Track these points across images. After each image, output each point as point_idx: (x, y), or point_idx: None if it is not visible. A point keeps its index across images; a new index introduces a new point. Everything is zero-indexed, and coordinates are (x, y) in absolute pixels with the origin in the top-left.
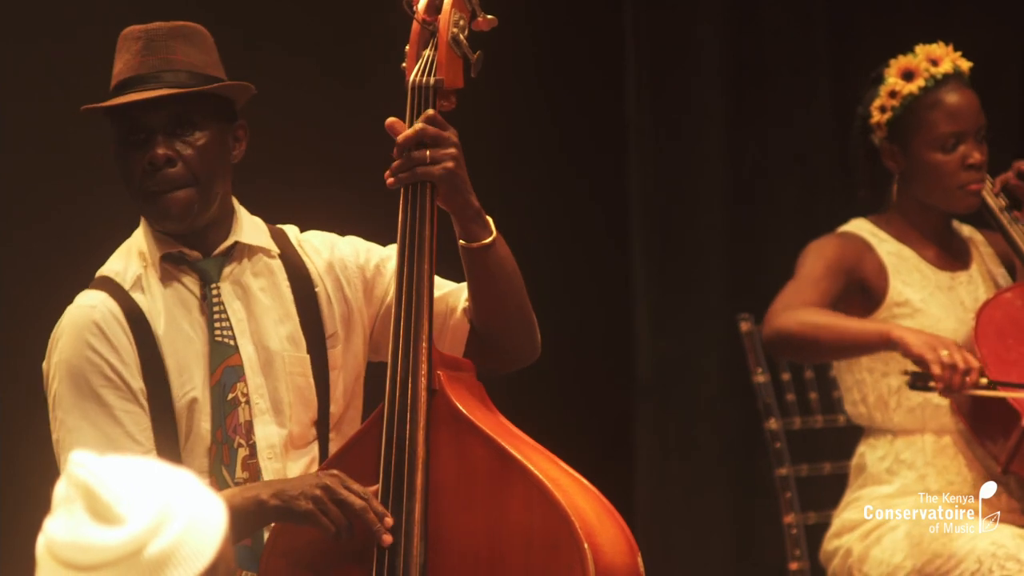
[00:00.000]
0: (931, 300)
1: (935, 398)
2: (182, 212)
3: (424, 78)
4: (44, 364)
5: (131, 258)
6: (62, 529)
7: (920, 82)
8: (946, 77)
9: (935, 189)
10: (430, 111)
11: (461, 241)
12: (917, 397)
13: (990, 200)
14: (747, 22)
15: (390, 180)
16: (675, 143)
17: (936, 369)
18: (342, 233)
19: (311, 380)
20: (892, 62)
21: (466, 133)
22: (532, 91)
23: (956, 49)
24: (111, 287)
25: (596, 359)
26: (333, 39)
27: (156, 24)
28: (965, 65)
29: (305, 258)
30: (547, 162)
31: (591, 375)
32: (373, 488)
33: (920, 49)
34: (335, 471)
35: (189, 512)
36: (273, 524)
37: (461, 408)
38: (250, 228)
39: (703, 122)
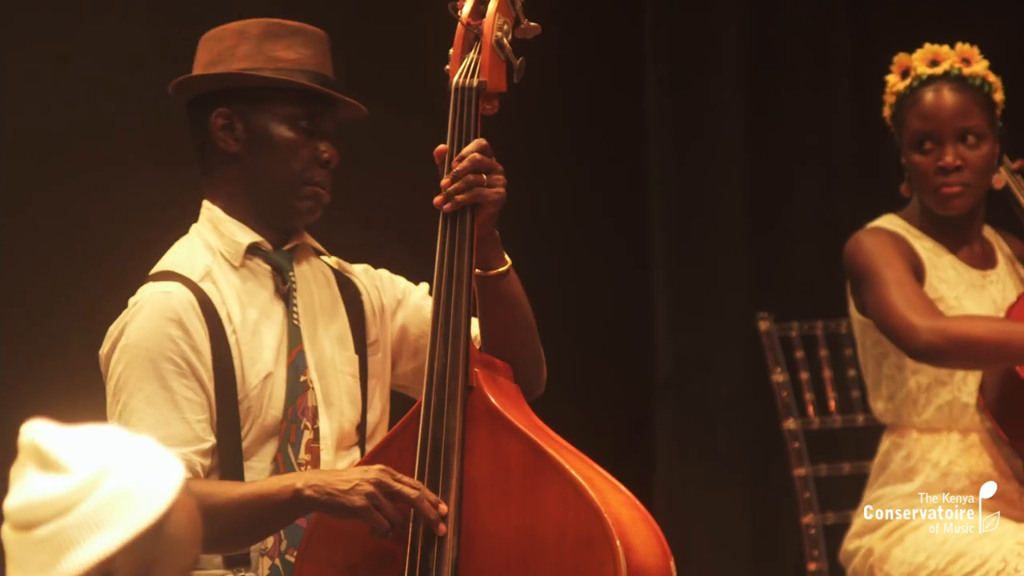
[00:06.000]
0: (964, 297)
1: (963, 397)
2: (320, 207)
3: (467, 80)
4: (104, 351)
5: (195, 252)
6: (14, 495)
7: (908, 81)
8: (932, 78)
9: (918, 190)
10: (483, 140)
11: (477, 270)
12: (946, 395)
13: (1011, 183)
14: (767, 21)
15: (447, 205)
16: (695, 141)
17: None
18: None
19: (359, 381)
20: (895, 59)
21: (486, 134)
22: (553, 91)
23: (975, 46)
24: (179, 278)
25: (615, 357)
26: (347, 41)
27: (312, 27)
28: (979, 67)
29: (350, 275)
30: (567, 161)
31: (610, 373)
32: None
33: (926, 48)
34: (382, 465)
35: (135, 465)
36: (307, 528)
37: (497, 405)
38: (308, 235)
39: (723, 120)
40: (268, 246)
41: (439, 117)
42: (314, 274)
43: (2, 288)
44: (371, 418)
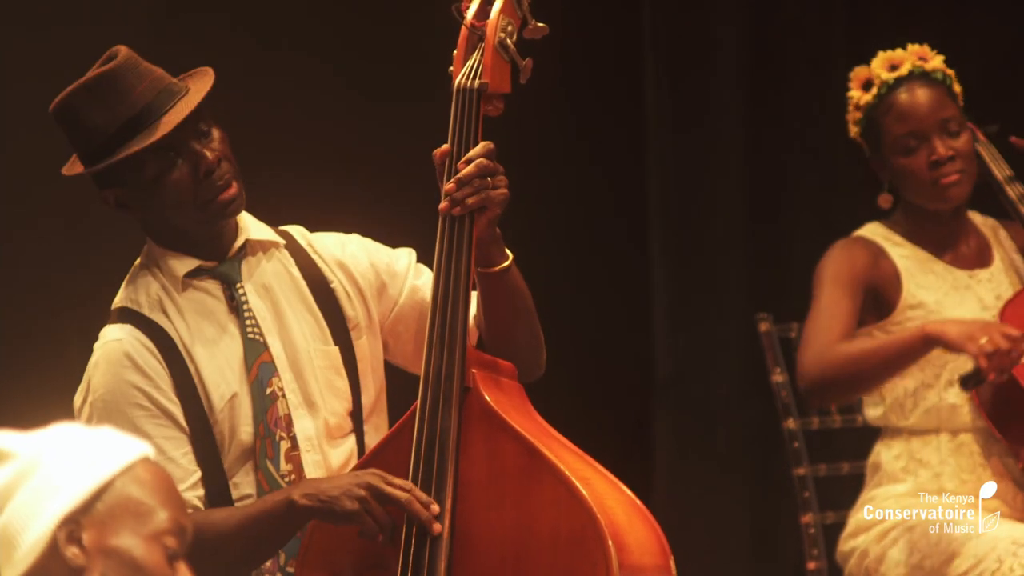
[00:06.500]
0: (946, 300)
1: (950, 398)
2: (238, 204)
3: (469, 81)
4: (76, 406)
5: (145, 282)
6: None
7: (875, 91)
8: (899, 80)
9: (915, 191)
10: (490, 144)
11: (479, 268)
12: (933, 397)
13: (996, 171)
14: (765, 20)
15: (455, 209)
16: (694, 141)
17: (982, 362)
18: (349, 231)
19: (342, 372)
20: (852, 75)
21: (487, 134)
22: (551, 90)
23: (972, 45)
24: (131, 316)
25: (615, 357)
26: (348, 43)
27: (114, 62)
28: (936, 61)
29: (315, 256)
30: (566, 161)
31: (610, 373)
32: None
33: (880, 56)
34: (374, 469)
35: (80, 441)
36: (305, 534)
37: (493, 406)
38: (254, 225)
39: (722, 120)
40: (210, 263)
41: (441, 112)
42: (273, 269)
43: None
44: (366, 401)
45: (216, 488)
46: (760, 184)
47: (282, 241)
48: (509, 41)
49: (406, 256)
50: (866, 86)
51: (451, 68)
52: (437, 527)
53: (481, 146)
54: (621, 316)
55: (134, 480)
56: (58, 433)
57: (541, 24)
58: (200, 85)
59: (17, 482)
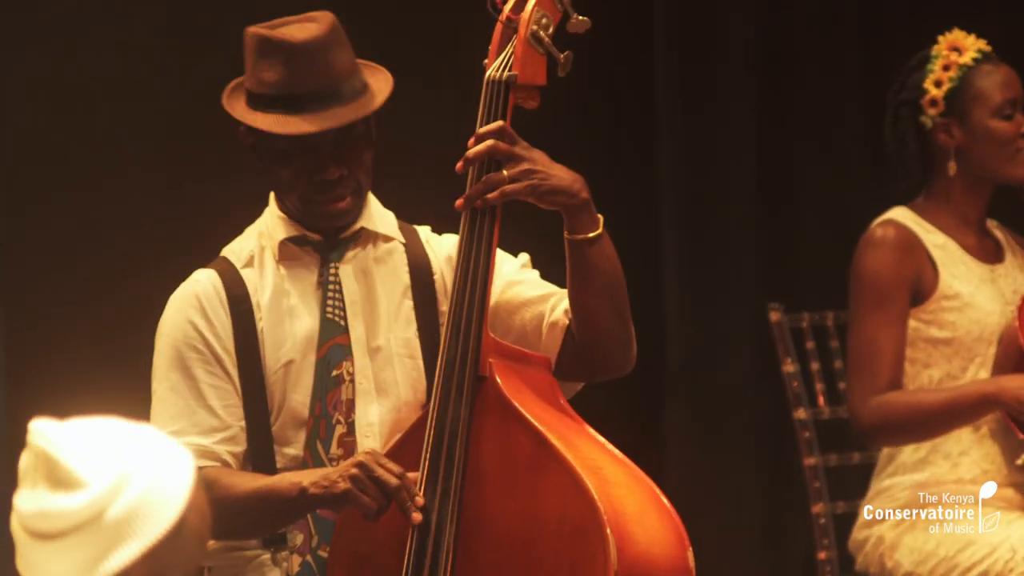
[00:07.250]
0: (978, 293)
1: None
2: (344, 215)
3: (499, 73)
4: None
5: (250, 238)
6: (27, 501)
7: (972, 53)
8: (988, 53)
9: (996, 157)
10: (500, 122)
11: (566, 233)
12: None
13: None
14: (776, 11)
15: (477, 202)
16: (704, 131)
17: None
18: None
19: (419, 361)
20: (940, 39)
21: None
22: (561, 79)
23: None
24: (222, 264)
25: None
26: (376, 30)
27: (306, 35)
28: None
29: (429, 250)
30: (576, 150)
31: None
32: (414, 475)
33: (954, 32)
34: (369, 450)
35: (151, 470)
36: (338, 519)
37: (507, 395)
38: (378, 216)
39: (732, 110)
40: (316, 236)
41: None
42: (378, 258)
43: (14, 282)
44: None
45: (261, 449)
46: (771, 174)
47: (402, 240)
48: (543, 34)
49: (518, 259)
50: (956, 50)
51: (485, 61)
52: (417, 517)
53: (493, 124)
54: (632, 305)
55: (194, 509)
56: (126, 456)
57: (583, 18)
58: (378, 86)
59: (96, 511)
